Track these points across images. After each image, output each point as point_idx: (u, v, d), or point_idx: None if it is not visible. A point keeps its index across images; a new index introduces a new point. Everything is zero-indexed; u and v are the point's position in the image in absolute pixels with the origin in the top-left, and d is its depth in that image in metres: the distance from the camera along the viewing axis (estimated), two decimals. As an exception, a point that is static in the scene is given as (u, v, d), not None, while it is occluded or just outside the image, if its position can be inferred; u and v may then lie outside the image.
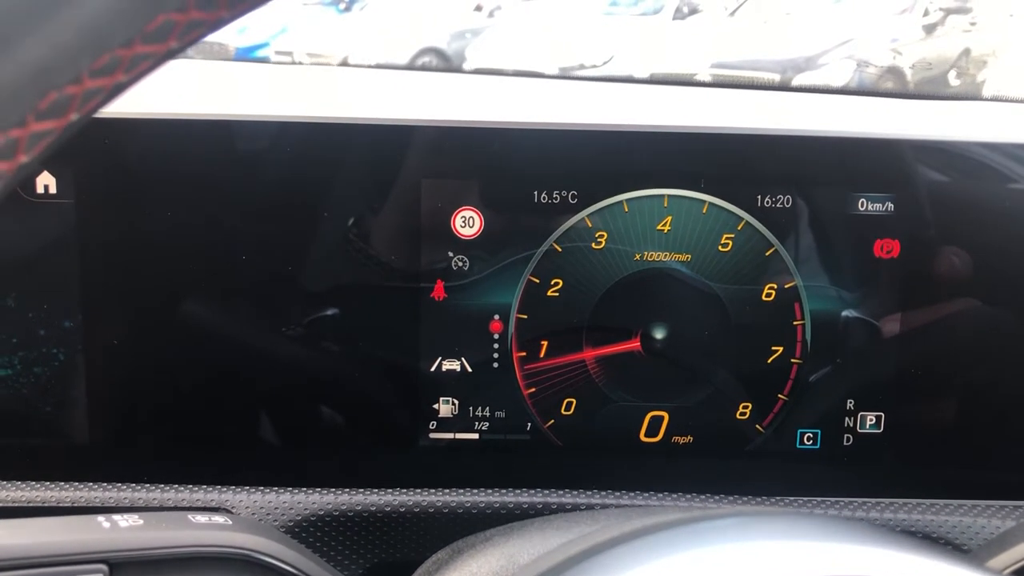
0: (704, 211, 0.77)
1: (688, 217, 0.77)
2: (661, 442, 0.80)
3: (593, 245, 0.77)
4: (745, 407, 0.80)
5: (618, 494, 0.78)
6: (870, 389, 0.79)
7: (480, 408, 0.79)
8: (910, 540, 0.58)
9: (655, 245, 0.77)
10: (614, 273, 0.78)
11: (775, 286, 0.78)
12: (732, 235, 0.77)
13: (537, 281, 0.77)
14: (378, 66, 1.15)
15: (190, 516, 0.63)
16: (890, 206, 0.77)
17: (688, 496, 0.79)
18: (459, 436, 0.79)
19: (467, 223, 0.76)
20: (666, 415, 0.80)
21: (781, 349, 0.79)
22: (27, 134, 0.30)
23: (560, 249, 0.77)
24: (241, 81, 0.99)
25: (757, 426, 0.80)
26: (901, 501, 0.79)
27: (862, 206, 0.77)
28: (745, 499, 0.79)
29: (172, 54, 0.33)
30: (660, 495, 0.79)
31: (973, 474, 0.81)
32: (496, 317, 0.78)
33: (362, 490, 0.77)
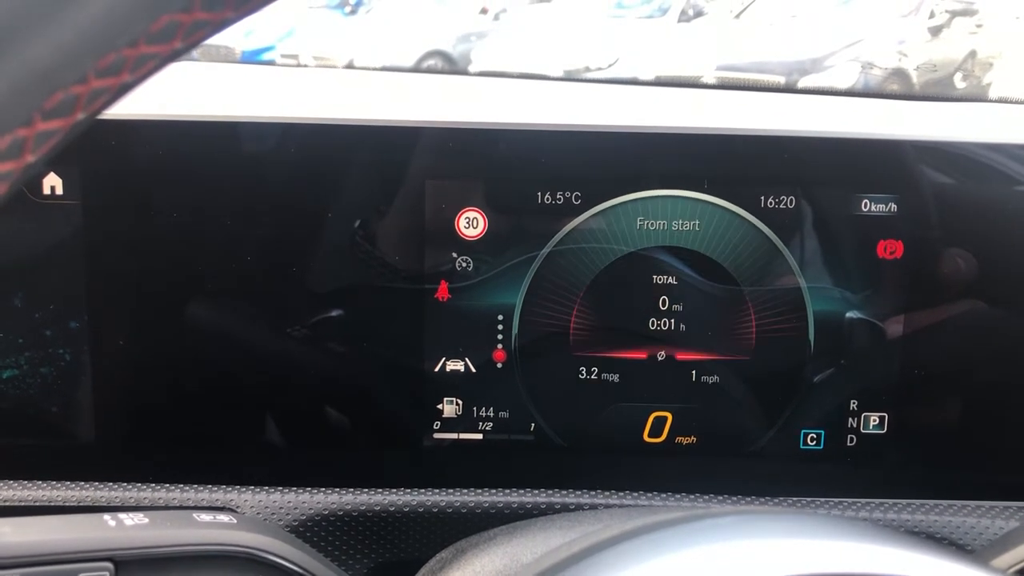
0: (707, 213, 0.77)
1: (692, 218, 0.77)
2: (665, 442, 0.80)
3: (597, 246, 0.77)
4: (748, 407, 0.80)
5: (621, 494, 0.78)
6: (874, 390, 0.79)
7: (484, 408, 0.79)
8: (914, 539, 0.58)
9: (659, 247, 0.77)
10: (618, 275, 0.78)
11: (778, 287, 0.78)
12: (736, 236, 0.77)
13: (541, 282, 0.78)
14: (383, 68, 1.16)
15: (195, 515, 0.63)
16: (893, 207, 0.77)
17: (692, 496, 0.79)
18: (463, 436, 0.80)
19: (471, 224, 0.77)
20: (670, 415, 0.80)
21: (785, 350, 0.79)
22: (33, 134, 0.31)
23: (564, 250, 0.77)
24: (247, 83, 0.99)
25: (760, 426, 0.80)
26: (905, 502, 0.79)
27: (865, 207, 0.77)
28: (748, 499, 0.79)
29: (177, 54, 0.34)
30: (663, 495, 0.79)
31: (977, 475, 0.81)
32: (500, 318, 0.78)
33: (366, 490, 0.77)
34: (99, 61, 0.31)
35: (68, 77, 0.30)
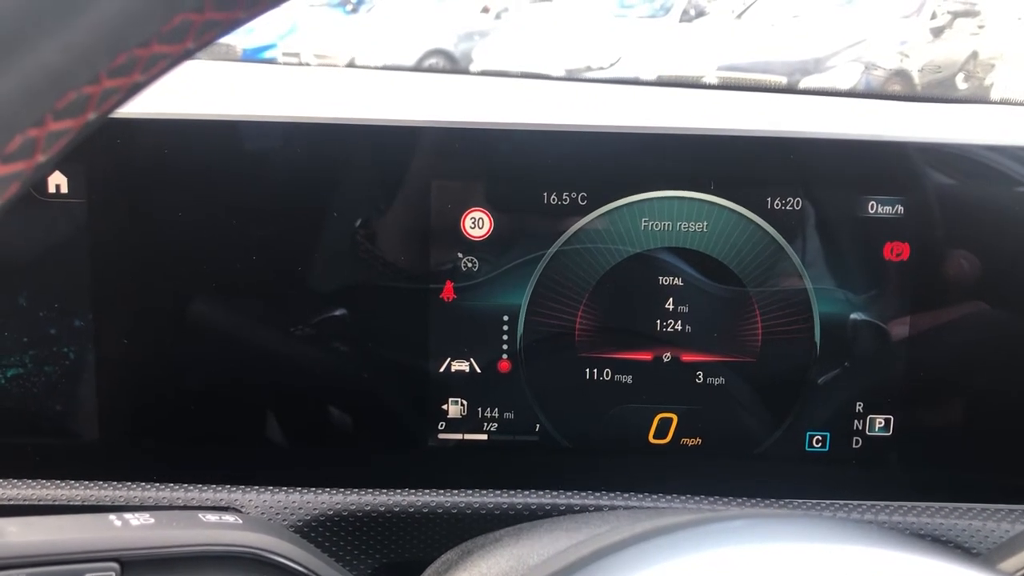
0: (714, 214, 0.77)
1: (698, 220, 0.77)
2: (670, 444, 0.80)
3: (603, 247, 0.77)
4: (754, 409, 0.80)
5: (627, 495, 0.78)
6: (879, 392, 0.79)
7: (489, 409, 0.79)
8: (920, 542, 0.58)
9: (665, 248, 0.77)
10: (624, 275, 0.78)
11: (784, 288, 0.78)
12: (742, 238, 0.77)
13: (547, 282, 0.77)
14: (385, 67, 1.16)
15: (201, 515, 0.63)
16: (900, 209, 0.77)
17: (697, 498, 0.79)
18: (468, 437, 0.80)
19: (476, 224, 0.77)
20: (675, 417, 0.80)
21: (791, 352, 0.79)
22: (45, 133, 0.31)
23: (570, 250, 0.77)
24: (250, 82, 0.99)
25: (766, 428, 0.80)
26: (910, 504, 0.79)
27: (872, 209, 0.77)
28: (754, 501, 0.79)
29: (189, 54, 0.33)
30: (669, 497, 0.78)
31: (982, 477, 0.81)
32: (505, 319, 0.78)
33: (371, 490, 0.77)
34: (112, 61, 0.31)
35: (81, 77, 0.30)
